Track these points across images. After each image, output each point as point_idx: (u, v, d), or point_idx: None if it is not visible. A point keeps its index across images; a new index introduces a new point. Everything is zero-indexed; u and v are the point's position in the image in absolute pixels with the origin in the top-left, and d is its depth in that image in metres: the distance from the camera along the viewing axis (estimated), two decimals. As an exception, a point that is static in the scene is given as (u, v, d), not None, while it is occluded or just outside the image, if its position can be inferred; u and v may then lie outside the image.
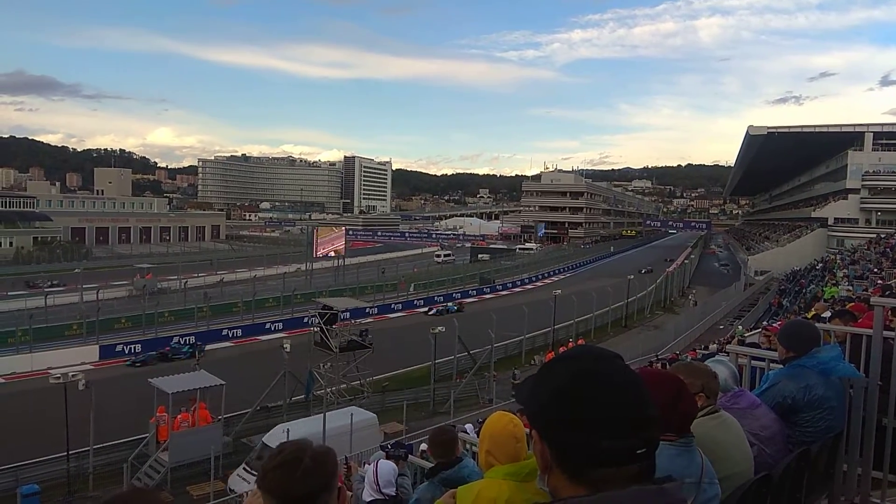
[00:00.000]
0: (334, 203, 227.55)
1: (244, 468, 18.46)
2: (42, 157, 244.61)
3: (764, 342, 7.51)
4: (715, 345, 22.25)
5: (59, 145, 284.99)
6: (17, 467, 18.40)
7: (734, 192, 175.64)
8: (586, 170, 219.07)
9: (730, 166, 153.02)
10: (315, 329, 25.93)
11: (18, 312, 37.27)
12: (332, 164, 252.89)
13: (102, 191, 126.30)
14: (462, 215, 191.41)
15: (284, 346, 24.97)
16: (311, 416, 21.67)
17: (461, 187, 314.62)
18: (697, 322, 43.11)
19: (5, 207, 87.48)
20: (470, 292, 57.82)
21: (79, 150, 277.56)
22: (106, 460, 19.16)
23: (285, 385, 23.85)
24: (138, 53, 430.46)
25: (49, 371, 23.64)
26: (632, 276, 50.19)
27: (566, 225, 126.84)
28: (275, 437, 18.50)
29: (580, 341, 34.94)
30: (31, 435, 20.32)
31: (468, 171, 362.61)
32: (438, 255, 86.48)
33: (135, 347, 34.27)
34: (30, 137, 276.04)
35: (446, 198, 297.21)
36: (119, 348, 33.85)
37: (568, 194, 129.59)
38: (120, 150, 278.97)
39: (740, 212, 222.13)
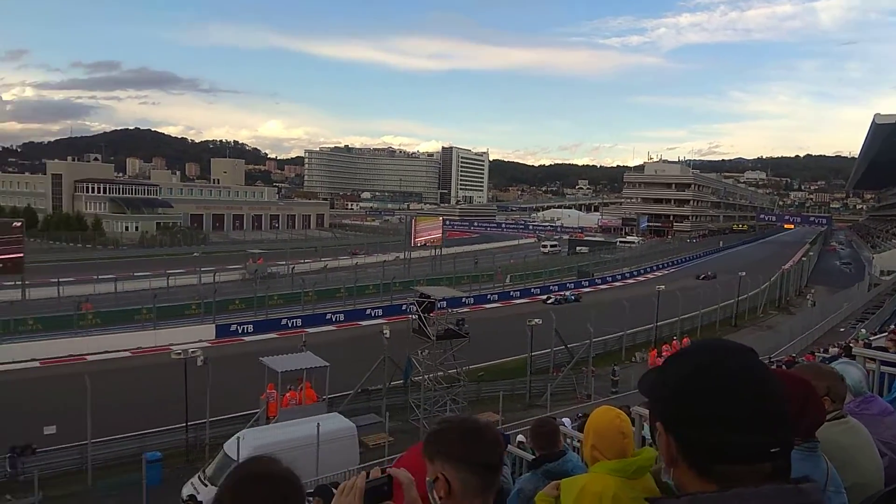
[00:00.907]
0: (432, 193, 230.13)
1: (199, 478, 16.65)
2: (164, 147, 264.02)
3: (891, 347, 6.96)
4: (836, 348, 20.74)
5: (179, 137, 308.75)
6: (142, 435, 20.05)
7: (858, 186, 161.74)
8: (694, 160, 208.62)
9: (853, 157, 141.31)
10: (413, 317, 26.39)
11: (144, 292, 40.63)
12: (431, 154, 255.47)
13: (218, 180, 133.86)
14: (560, 207, 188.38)
15: (384, 331, 25.66)
16: (276, 424, 18.94)
17: (559, 178, 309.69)
18: (816, 324, 40.22)
19: (132, 194, 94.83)
20: (568, 285, 56.91)
21: (197, 141, 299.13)
22: (221, 432, 20.28)
23: (385, 370, 24.53)
24: (252, 49, 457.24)
25: (170, 347, 25.47)
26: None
27: (671, 218, 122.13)
28: (233, 446, 16.56)
29: (685, 340, 33.64)
30: (155, 406, 22.02)
31: (567, 162, 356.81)
32: (545, 245, 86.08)
33: (247, 328, 36.46)
34: (153, 129, 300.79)
35: (544, 189, 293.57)
36: (233, 328, 36.05)
37: (673, 186, 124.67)
38: (234, 141, 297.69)
39: (865, 206, 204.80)
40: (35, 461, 17.86)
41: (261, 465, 1.69)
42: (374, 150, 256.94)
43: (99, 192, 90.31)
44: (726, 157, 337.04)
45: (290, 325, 37.62)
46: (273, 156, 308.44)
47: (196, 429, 20.27)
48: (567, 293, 51.04)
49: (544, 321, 28.65)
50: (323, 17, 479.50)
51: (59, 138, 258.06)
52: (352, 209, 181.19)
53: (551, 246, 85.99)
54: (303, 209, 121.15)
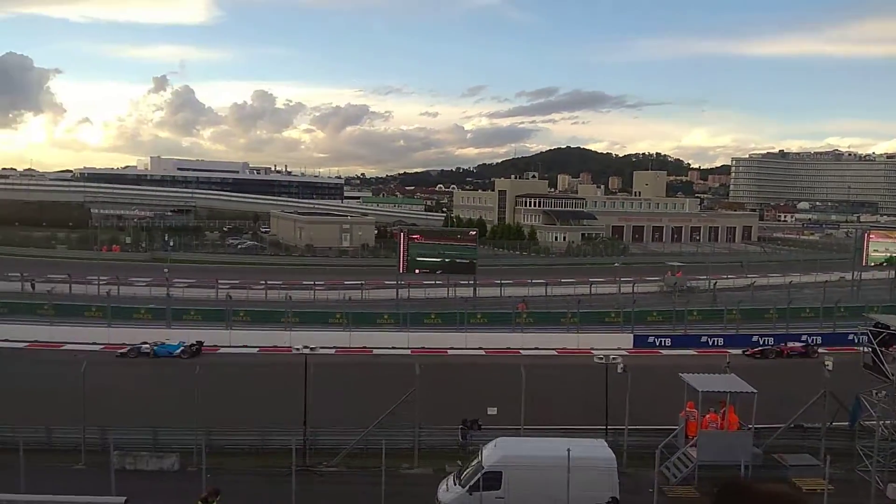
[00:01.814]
0: (891, 202, 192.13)
1: (454, 479, 16.87)
2: (590, 163, 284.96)
3: None
4: None
5: (604, 152, 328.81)
6: (565, 430, 21.28)
7: None
8: None
9: None
10: (865, 349, 22.18)
11: (569, 297, 44.04)
12: (891, 156, 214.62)
13: (639, 192, 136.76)
14: None
15: (826, 363, 22.25)
16: (532, 438, 18.65)
17: None
18: None
19: (561, 207, 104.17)
20: None
21: (620, 155, 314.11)
22: (638, 441, 20.42)
23: (825, 407, 21.21)
24: (677, 59, 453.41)
25: (591, 351, 26.85)
26: None
27: None
28: (488, 451, 16.69)
29: None
30: (576, 405, 23.81)
31: None
32: None
33: (665, 341, 36.12)
34: (581, 147, 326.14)
35: None
36: (650, 339, 36.20)
37: None
38: (656, 153, 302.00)
39: None
40: (479, 435, 20.81)
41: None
42: (816, 153, 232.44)
43: (534, 205, 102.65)
44: None
45: (710, 343, 36.38)
46: (696, 166, 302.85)
47: (615, 434, 20.68)
48: None
49: None
50: (751, 14, 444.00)
51: (504, 159, 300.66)
52: (785, 221, 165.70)
53: None
54: (727, 221, 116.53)
